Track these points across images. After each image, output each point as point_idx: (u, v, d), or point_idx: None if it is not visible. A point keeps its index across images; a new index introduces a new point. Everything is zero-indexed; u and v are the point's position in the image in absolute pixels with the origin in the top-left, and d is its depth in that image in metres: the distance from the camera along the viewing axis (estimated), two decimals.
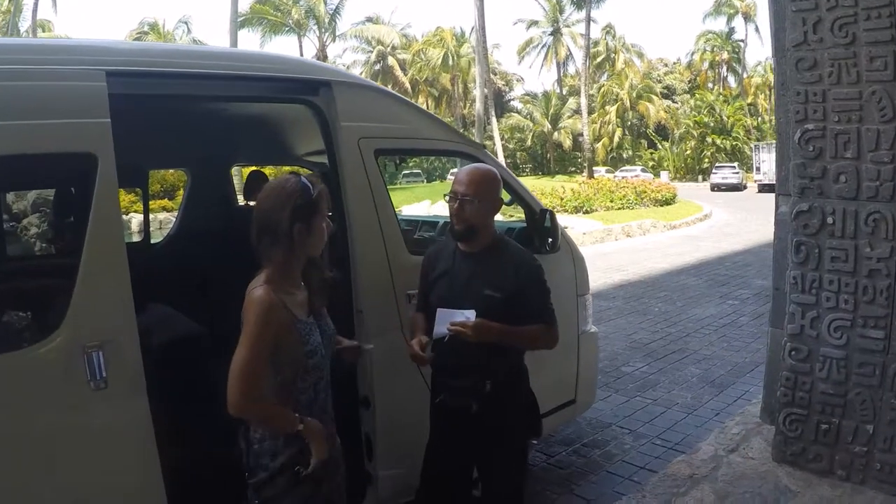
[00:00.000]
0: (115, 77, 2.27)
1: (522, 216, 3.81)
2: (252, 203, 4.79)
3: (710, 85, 59.69)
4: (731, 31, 57.81)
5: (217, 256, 4.27)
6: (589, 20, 47.68)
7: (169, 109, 3.49)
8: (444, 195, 2.68)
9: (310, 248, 2.11)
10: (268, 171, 6.34)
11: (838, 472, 3.13)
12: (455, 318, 2.46)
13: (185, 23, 43.52)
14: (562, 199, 21.84)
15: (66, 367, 2.08)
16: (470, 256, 2.63)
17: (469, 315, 2.45)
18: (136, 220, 11.65)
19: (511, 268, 2.62)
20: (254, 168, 5.16)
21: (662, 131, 55.75)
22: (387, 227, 3.05)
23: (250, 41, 41.75)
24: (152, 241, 5.14)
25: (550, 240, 3.56)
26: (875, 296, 2.96)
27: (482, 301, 2.51)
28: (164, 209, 19.73)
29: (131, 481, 2.28)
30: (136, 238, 5.62)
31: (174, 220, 5.34)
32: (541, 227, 3.57)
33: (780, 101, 3.49)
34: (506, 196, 3.15)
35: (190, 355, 3.50)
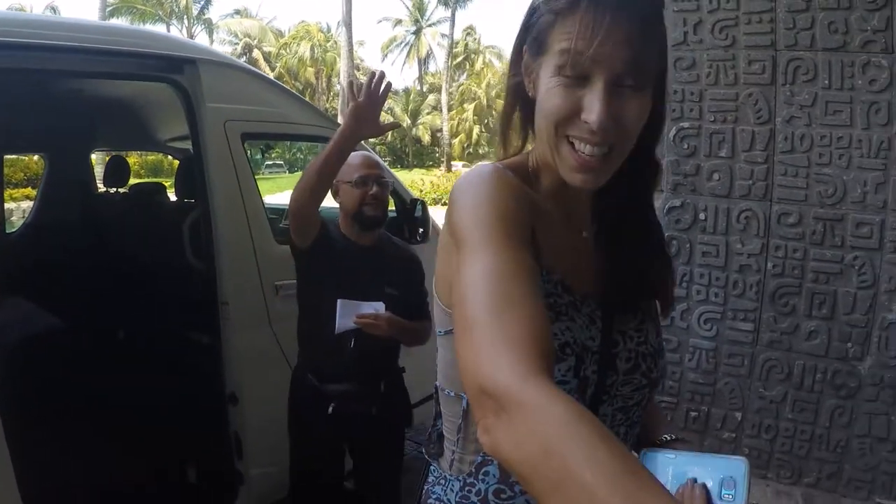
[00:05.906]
0: None
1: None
2: (112, 190, 4.38)
3: None
4: None
5: (77, 246, 3.89)
6: (454, 20, 48.69)
7: (23, 89, 3.08)
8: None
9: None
10: (131, 159, 5.87)
11: None
12: (362, 311, 2.25)
13: (54, 9, 40.25)
14: (421, 191, 22.11)
15: None
16: (365, 250, 2.43)
17: (378, 307, 2.26)
18: None
19: (401, 263, 2.49)
20: (115, 153, 4.77)
21: None
22: (253, 216, 2.86)
23: None
24: (7, 231, 4.59)
25: (421, 230, 3.50)
26: (745, 290, 3.09)
27: (385, 300, 2.32)
28: (28, 198, 18.09)
29: None
30: None
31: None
32: (411, 218, 3.51)
33: None
34: None
35: (49, 353, 3.14)
